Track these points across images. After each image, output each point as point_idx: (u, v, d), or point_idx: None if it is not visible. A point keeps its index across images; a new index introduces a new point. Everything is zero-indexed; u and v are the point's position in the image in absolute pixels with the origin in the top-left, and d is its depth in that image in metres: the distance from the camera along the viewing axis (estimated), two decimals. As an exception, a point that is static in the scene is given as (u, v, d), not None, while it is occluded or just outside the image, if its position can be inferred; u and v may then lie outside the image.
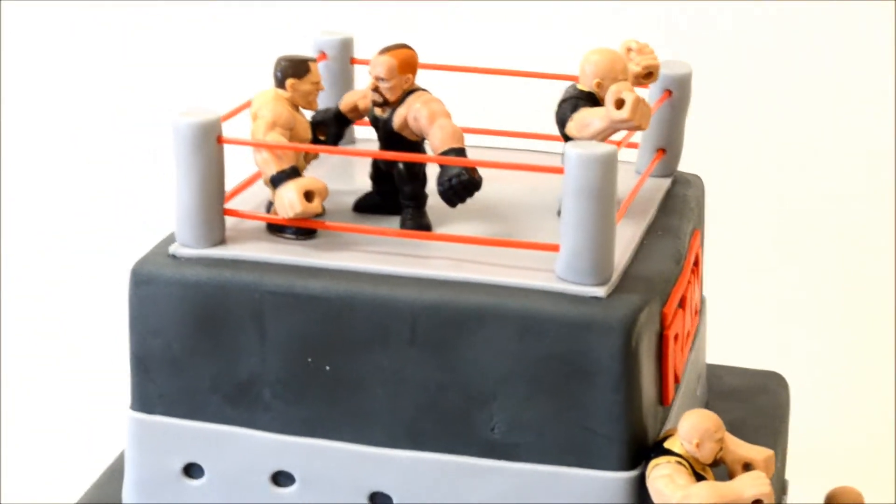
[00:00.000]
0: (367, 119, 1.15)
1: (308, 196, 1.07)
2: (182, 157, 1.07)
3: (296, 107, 1.12)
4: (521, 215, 1.15)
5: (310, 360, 1.06)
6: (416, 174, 1.11)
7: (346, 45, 1.28)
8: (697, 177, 1.28)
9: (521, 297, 1.04)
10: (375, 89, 1.11)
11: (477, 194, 1.09)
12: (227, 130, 1.09)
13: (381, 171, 1.14)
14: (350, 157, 1.26)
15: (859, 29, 1.92)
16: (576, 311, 1.03)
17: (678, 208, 1.20)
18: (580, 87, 1.13)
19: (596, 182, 1.01)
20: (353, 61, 1.28)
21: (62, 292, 1.97)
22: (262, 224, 1.12)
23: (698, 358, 1.26)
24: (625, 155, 1.07)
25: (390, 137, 1.12)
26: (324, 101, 1.17)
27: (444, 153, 1.08)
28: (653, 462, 1.04)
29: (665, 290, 1.09)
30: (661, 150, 1.23)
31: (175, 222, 1.09)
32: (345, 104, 1.17)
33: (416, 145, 1.12)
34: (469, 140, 1.11)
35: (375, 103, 1.12)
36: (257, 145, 1.09)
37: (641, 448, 1.05)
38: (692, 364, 1.22)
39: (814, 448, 1.68)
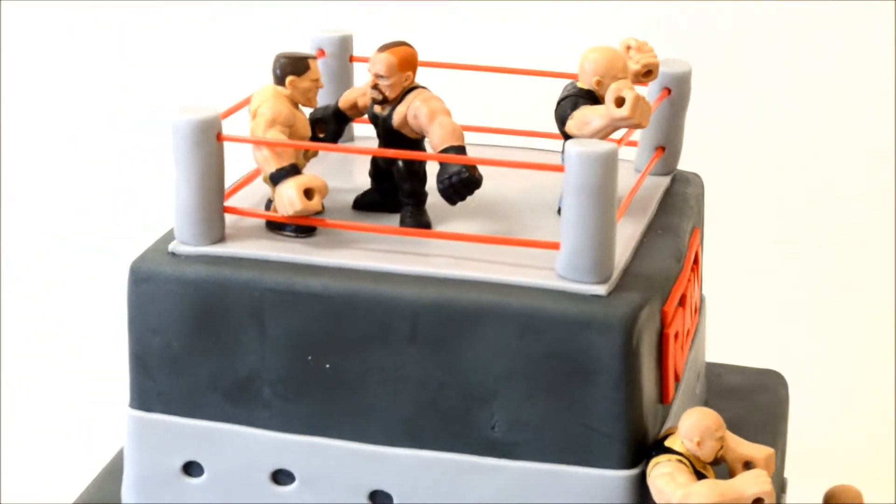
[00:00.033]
0: (366, 116, 1.15)
1: (308, 194, 1.07)
2: (181, 154, 1.07)
3: (295, 104, 1.11)
4: (520, 213, 1.15)
5: (310, 358, 1.06)
6: (416, 172, 1.11)
7: (344, 43, 1.28)
8: (696, 175, 1.28)
9: (521, 295, 1.03)
10: (375, 87, 1.11)
11: (476, 192, 1.09)
12: (227, 128, 1.08)
13: (380, 169, 1.14)
14: (349, 154, 1.25)
15: (859, 29, 1.92)
16: (576, 309, 1.03)
17: (678, 206, 1.20)
18: (580, 84, 1.13)
19: (597, 180, 1.01)
20: (351, 59, 1.28)
21: (62, 292, 1.97)
22: (262, 221, 1.12)
23: (698, 356, 1.26)
24: (624, 153, 1.06)
25: (390, 135, 1.12)
26: (322, 99, 1.17)
27: (444, 151, 1.08)
28: (653, 460, 1.04)
29: (665, 289, 1.09)
30: (661, 148, 1.23)
31: (174, 220, 1.09)
32: (344, 101, 1.17)
33: (416, 143, 1.12)
34: (469, 138, 1.11)
35: (375, 101, 1.12)
36: (257, 142, 1.08)
37: (642, 446, 1.05)
38: (692, 362, 1.21)
39: (813, 446, 1.68)
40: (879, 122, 1.94)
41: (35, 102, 2.08)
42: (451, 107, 1.10)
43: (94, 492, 1.20)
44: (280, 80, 1.11)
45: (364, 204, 1.15)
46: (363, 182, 1.16)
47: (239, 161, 1.17)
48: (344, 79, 1.27)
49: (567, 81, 1.14)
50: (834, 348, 1.88)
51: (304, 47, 1.25)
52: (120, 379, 1.10)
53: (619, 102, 1.07)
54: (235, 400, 1.08)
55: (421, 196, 1.12)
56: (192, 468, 1.10)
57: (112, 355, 1.15)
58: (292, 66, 1.11)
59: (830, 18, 1.93)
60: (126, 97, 2.04)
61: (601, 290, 1.03)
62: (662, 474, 1.03)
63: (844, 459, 1.70)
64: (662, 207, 1.19)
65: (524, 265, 1.06)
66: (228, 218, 1.10)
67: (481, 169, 1.08)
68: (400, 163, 1.11)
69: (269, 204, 1.11)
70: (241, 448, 1.09)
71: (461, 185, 1.07)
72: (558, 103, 1.12)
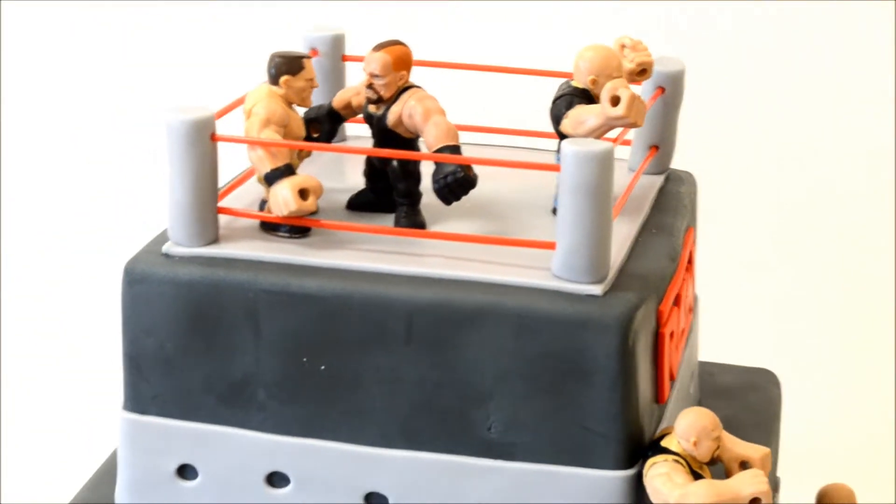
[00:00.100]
0: (360, 116, 1.15)
1: (303, 194, 1.06)
2: (175, 154, 1.06)
3: (290, 104, 1.11)
4: (515, 213, 1.14)
5: (305, 359, 1.06)
6: (411, 172, 1.11)
7: (337, 42, 1.27)
8: (690, 174, 1.28)
9: (517, 296, 1.03)
10: (370, 86, 1.10)
11: (471, 192, 1.08)
12: (221, 128, 1.08)
13: (375, 169, 1.14)
14: (341, 154, 1.25)
15: (859, 29, 1.92)
16: (572, 309, 1.02)
17: (672, 205, 1.20)
18: (574, 83, 1.13)
19: (593, 179, 1.01)
20: (344, 58, 1.27)
21: (61, 292, 1.96)
22: (256, 222, 1.11)
23: (692, 356, 1.26)
24: (617, 152, 1.06)
25: (384, 134, 1.12)
26: (315, 98, 1.16)
27: (439, 150, 1.07)
28: (650, 461, 1.04)
29: (661, 288, 1.08)
30: (655, 147, 1.23)
31: (168, 221, 1.08)
32: (338, 101, 1.17)
33: (411, 142, 1.12)
34: (464, 137, 1.11)
35: (370, 100, 1.11)
36: (252, 143, 1.08)
37: (638, 447, 1.05)
38: (686, 362, 1.21)
39: (806, 445, 1.68)
40: (876, 120, 1.95)
41: (35, 102, 2.07)
42: (445, 106, 1.10)
43: (89, 494, 1.19)
44: (274, 80, 1.10)
45: (358, 204, 1.14)
46: (357, 182, 1.16)
47: (231, 161, 1.16)
48: (337, 78, 1.27)
49: (562, 80, 1.14)
50: (827, 347, 1.89)
51: (296, 46, 1.24)
52: (119, 379, 1.10)
53: (615, 101, 1.06)
54: (230, 402, 1.08)
55: (416, 196, 1.12)
56: (186, 471, 1.10)
57: (112, 355, 1.15)
58: (287, 66, 1.10)
59: (830, 18, 1.93)
60: (126, 97, 2.03)
61: (597, 289, 1.03)
62: (659, 474, 1.03)
63: (837, 458, 1.70)
64: (657, 206, 1.19)
65: (519, 265, 1.06)
66: (222, 218, 1.10)
67: (476, 168, 1.08)
68: (395, 162, 1.10)
69: (263, 204, 1.11)
70: (235, 450, 1.08)
71: (456, 184, 1.07)
72: (553, 102, 1.12)
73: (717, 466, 1.07)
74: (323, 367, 1.06)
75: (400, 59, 1.10)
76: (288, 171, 1.07)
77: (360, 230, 1.09)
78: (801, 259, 1.93)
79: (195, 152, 1.06)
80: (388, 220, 1.12)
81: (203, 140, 1.06)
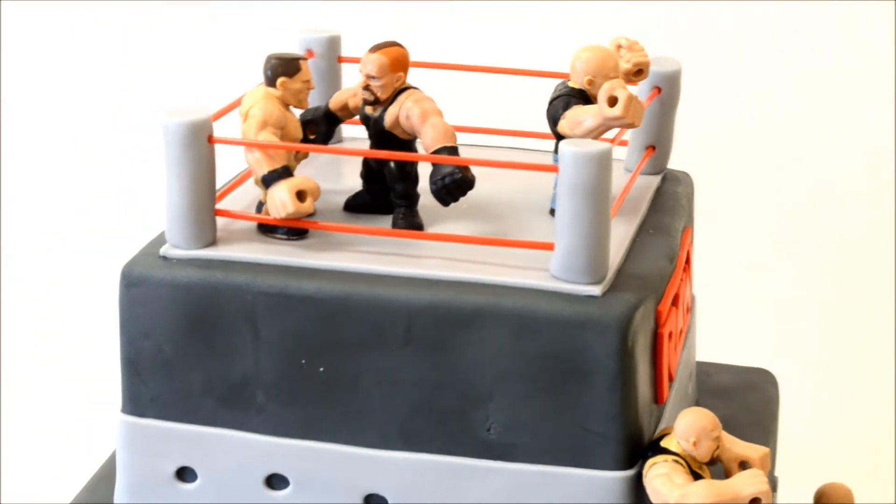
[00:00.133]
0: (357, 118, 1.14)
1: (300, 196, 1.06)
2: (172, 157, 1.06)
3: (286, 105, 1.11)
4: (513, 214, 1.14)
5: (303, 361, 1.05)
6: (408, 173, 1.11)
7: (333, 43, 1.27)
8: (687, 174, 1.28)
9: (516, 297, 1.03)
10: (366, 87, 1.10)
11: (469, 193, 1.08)
12: (217, 129, 1.08)
13: (372, 170, 1.13)
14: (338, 155, 1.25)
15: (859, 29, 1.92)
16: (571, 309, 1.02)
17: (669, 206, 1.20)
18: (571, 84, 1.13)
19: (591, 180, 1.01)
20: (340, 59, 1.27)
21: (61, 292, 1.96)
22: (253, 224, 1.11)
23: (689, 356, 1.26)
24: (614, 152, 1.06)
25: (381, 136, 1.11)
26: (311, 100, 1.16)
27: (437, 152, 1.07)
28: (650, 461, 1.04)
29: (659, 288, 1.08)
30: (651, 148, 1.23)
31: (165, 223, 1.08)
32: (335, 103, 1.16)
33: (408, 144, 1.12)
34: (461, 138, 1.10)
35: (366, 102, 1.11)
36: (249, 145, 1.08)
37: (637, 447, 1.05)
38: (684, 362, 1.21)
39: (803, 445, 1.68)
40: (876, 121, 1.95)
41: (35, 102, 2.07)
42: (442, 107, 1.10)
43: (88, 495, 1.19)
44: (271, 82, 1.10)
45: (355, 205, 1.14)
46: (353, 183, 1.16)
47: (228, 163, 1.16)
48: (332, 79, 1.27)
49: (558, 81, 1.14)
50: (824, 347, 1.89)
51: (293, 48, 1.24)
52: (119, 379, 1.10)
53: (612, 102, 1.06)
54: (229, 404, 1.07)
55: (413, 197, 1.11)
56: (185, 473, 1.10)
57: (112, 355, 1.14)
58: (283, 68, 1.10)
59: (829, 18, 1.93)
60: (126, 97, 2.03)
61: (596, 290, 1.03)
62: (659, 475, 1.03)
63: (835, 458, 1.70)
64: (654, 207, 1.19)
65: (518, 266, 1.06)
66: (219, 221, 1.10)
67: (473, 169, 1.08)
68: (392, 164, 1.10)
69: (260, 206, 1.11)
70: (234, 453, 1.08)
71: (454, 186, 1.07)
72: (550, 103, 1.12)
73: (717, 466, 1.07)
74: (322, 369, 1.05)
75: (397, 60, 1.10)
76: (285, 172, 1.07)
77: (358, 232, 1.09)
78: (798, 259, 1.94)
79: (192, 155, 1.06)
80: (385, 221, 1.12)
81: (200, 142, 1.06)
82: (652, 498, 1.03)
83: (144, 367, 1.08)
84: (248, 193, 1.14)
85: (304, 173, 1.11)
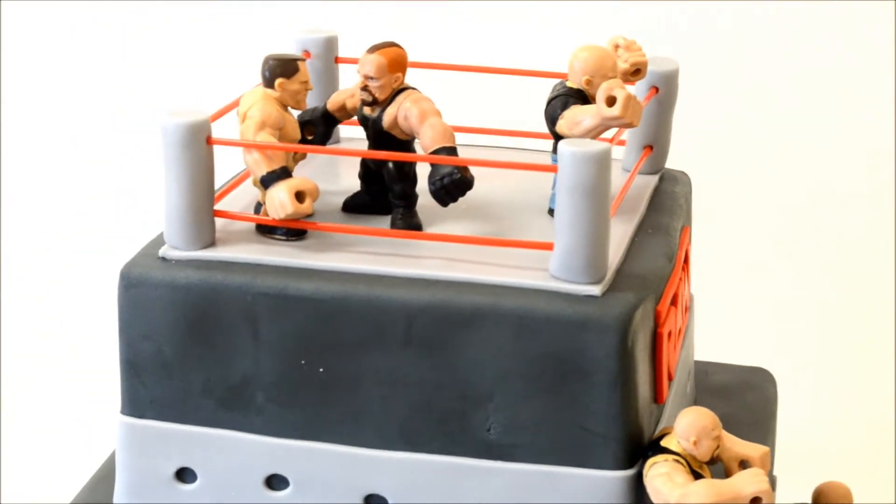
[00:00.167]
0: (355, 118, 1.14)
1: (299, 197, 1.06)
2: (171, 158, 1.06)
3: (284, 106, 1.11)
4: (512, 214, 1.14)
5: (303, 362, 1.05)
6: (407, 173, 1.11)
7: (330, 44, 1.27)
8: (685, 173, 1.28)
9: (515, 297, 1.03)
10: (365, 88, 1.10)
11: (468, 193, 1.08)
12: (216, 130, 1.07)
13: (370, 171, 1.13)
14: (336, 156, 1.25)
15: (859, 29, 1.92)
16: (571, 309, 1.02)
17: (667, 205, 1.20)
18: (569, 84, 1.13)
19: (590, 180, 1.01)
20: (337, 60, 1.27)
21: (61, 292, 1.96)
22: (252, 225, 1.11)
23: (688, 355, 1.26)
24: (612, 152, 1.06)
25: (380, 136, 1.11)
26: (309, 101, 1.16)
27: (435, 152, 1.07)
28: (650, 461, 1.04)
29: (659, 288, 1.08)
30: (649, 147, 1.23)
31: (164, 224, 1.08)
32: (332, 103, 1.16)
33: (406, 144, 1.12)
34: (460, 139, 1.10)
35: (365, 102, 1.11)
36: (247, 146, 1.08)
37: (638, 447, 1.05)
38: (683, 361, 1.22)
39: (802, 444, 1.68)
40: (876, 121, 1.95)
41: (35, 102, 2.07)
42: (441, 108, 1.10)
43: (87, 495, 1.19)
44: (269, 83, 1.10)
45: (354, 206, 1.14)
46: (351, 184, 1.16)
47: (227, 164, 1.16)
48: (330, 80, 1.27)
49: (556, 81, 1.14)
50: (823, 346, 1.89)
51: (287, 47, 1.24)
52: (119, 379, 1.10)
53: (611, 102, 1.06)
54: (229, 405, 1.07)
55: (412, 198, 1.11)
56: (185, 474, 1.10)
57: (111, 356, 1.14)
58: (281, 69, 1.10)
59: (829, 18, 1.93)
60: (126, 97, 2.03)
61: (595, 290, 1.03)
62: (660, 474, 1.03)
63: (833, 457, 1.70)
64: (652, 206, 1.19)
65: (517, 266, 1.06)
66: (218, 222, 1.10)
67: (472, 170, 1.08)
68: (390, 164, 1.10)
69: (258, 207, 1.11)
70: (234, 453, 1.08)
71: (453, 186, 1.07)
72: (548, 103, 1.12)
73: (717, 466, 1.07)
74: (321, 370, 1.05)
75: (395, 60, 1.10)
76: (284, 173, 1.07)
77: (356, 232, 1.08)
78: (797, 258, 1.94)
79: (191, 156, 1.06)
80: (384, 222, 1.12)
81: (198, 143, 1.06)
82: (652, 497, 1.03)
83: (144, 369, 1.08)
84: (247, 194, 1.14)
85: (303, 174, 1.11)
